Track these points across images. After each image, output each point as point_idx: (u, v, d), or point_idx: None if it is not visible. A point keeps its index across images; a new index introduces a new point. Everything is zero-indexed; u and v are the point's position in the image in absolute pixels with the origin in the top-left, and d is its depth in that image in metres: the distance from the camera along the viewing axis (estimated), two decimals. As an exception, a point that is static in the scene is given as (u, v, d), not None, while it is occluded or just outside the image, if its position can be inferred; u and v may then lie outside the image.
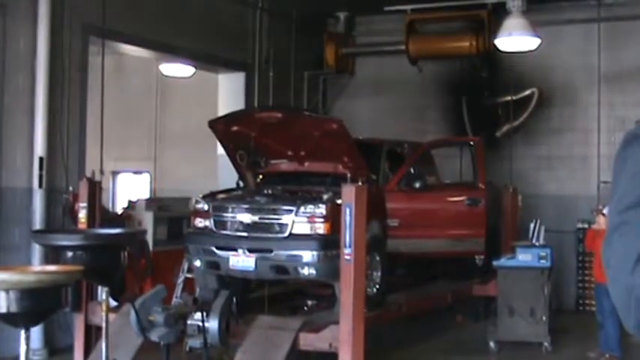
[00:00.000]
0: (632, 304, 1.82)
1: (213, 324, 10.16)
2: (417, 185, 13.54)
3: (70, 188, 12.94)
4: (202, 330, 10.11)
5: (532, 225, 14.48)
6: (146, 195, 20.09)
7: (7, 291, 7.06)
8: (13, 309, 7.08)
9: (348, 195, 10.42)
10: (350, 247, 10.28)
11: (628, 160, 1.91)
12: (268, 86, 17.97)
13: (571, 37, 18.38)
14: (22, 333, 7.33)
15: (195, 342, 10.27)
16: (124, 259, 9.22)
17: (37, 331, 12.36)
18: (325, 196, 11.38)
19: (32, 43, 12.88)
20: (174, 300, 12.08)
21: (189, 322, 10.21)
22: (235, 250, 11.41)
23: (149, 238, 13.85)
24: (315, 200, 11.39)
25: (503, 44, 16.82)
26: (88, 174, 12.49)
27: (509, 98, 18.77)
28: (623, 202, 1.88)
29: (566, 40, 18.39)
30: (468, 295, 15.65)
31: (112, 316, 10.66)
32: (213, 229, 11.71)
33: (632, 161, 1.90)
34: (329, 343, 10.48)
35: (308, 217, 11.20)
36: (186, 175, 19.60)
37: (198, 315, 10.18)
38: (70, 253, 8.84)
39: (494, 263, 14.22)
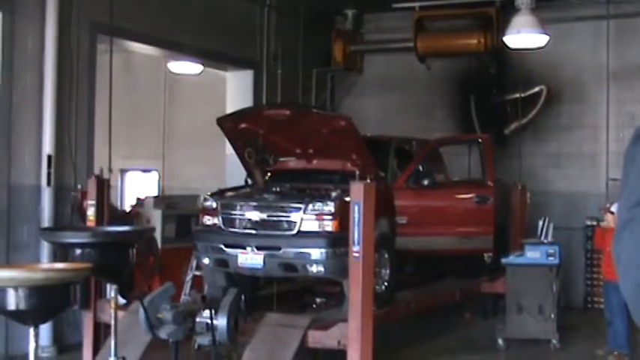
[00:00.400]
0: (642, 300, 1.82)
1: (221, 321, 10.16)
2: (426, 183, 13.55)
3: (79, 186, 12.96)
4: (211, 327, 10.12)
5: (541, 222, 14.47)
6: (154, 193, 20.11)
7: (15, 288, 7.07)
8: (22, 306, 7.09)
9: (357, 192, 10.41)
10: (358, 244, 10.27)
11: (637, 157, 1.90)
12: (276, 84, 17.98)
13: (580, 35, 18.34)
14: (31, 330, 7.34)
15: (203, 339, 10.27)
16: (132, 256, 9.22)
17: (46, 329, 12.39)
18: (334, 194, 11.39)
19: (40, 42, 12.89)
20: (182, 297, 12.09)
21: (197, 319, 10.22)
22: (244, 247, 11.41)
23: (158, 235, 13.87)
24: (324, 198, 11.40)
25: (512, 41, 16.79)
26: (97, 172, 12.51)
27: (517, 95, 18.75)
28: (633, 199, 1.87)
29: (575, 37, 18.35)
30: (477, 293, 15.65)
31: (120, 313, 10.66)
32: (222, 226, 11.72)
33: (640, 158, 1.89)
34: (337, 341, 10.48)
35: (316, 215, 11.20)
36: (194, 173, 19.63)
37: (206, 312, 10.19)
38: (78, 251, 8.84)
39: (503, 260, 14.20)
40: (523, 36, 16.48)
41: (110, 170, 13.46)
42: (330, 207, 11.15)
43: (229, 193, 12.43)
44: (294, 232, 11.23)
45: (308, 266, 11.15)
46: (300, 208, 11.25)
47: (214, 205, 11.91)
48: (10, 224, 12.58)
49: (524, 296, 13.75)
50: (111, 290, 9.40)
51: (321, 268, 11.10)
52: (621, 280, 1.90)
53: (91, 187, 11.98)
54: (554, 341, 13.64)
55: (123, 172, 21.79)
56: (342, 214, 10.92)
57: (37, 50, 12.89)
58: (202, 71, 18.28)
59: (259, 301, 12.51)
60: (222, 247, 11.60)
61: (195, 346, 10.70)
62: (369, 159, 12.11)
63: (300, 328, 10.69)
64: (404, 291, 13.42)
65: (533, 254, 13.93)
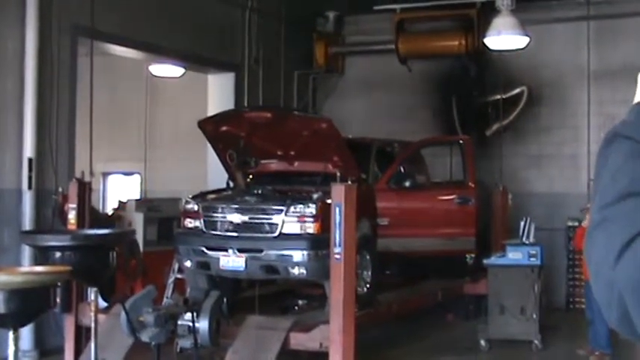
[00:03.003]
0: (614, 299, 1.82)
1: (203, 324, 10.16)
2: (407, 184, 13.58)
3: (60, 189, 12.90)
4: (193, 330, 10.11)
5: (522, 223, 14.49)
6: (136, 196, 20.07)
7: (-5, 292, 7.06)
8: (1, 310, 7.08)
9: (338, 194, 10.42)
10: (340, 246, 10.28)
11: (609, 158, 1.90)
12: (258, 86, 17.97)
13: (560, 36, 18.40)
14: (11, 334, 7.32)
15: (185, 342, 10.27)
16: (112, 259, 9.21)
17: (27, 333, 12.33)
18: (315, 196, 11.39)
19: (21, 45, 12.85)
20: (164, 300, 12.07)
21: (179, 322, 10.21)
22: (225, 250, 11.41)
23: (139, 238, 13.84)
24: (305, 200, 11.40)
25: (493, 43, 16.83)
26: (78, 175, 12.47)
27: (498, 97, 18.79)
28: (605, 199, 1.87)
29: (556, 38, 18.40)
30: (459, 294, 15.68)
31: (102, 316, 10.66)
32: (203, 229, 11.71)
33: (613, 159, 1.89)
34: (319, 343, 10.49)
35: (298, 217, 11.21)
36: (176, 176, 19.59)
37: (188, 315, 10.18)
38: (58, 254, 8.83)
39: (485, 262, 14.22)
40: (504, 37, 16.53)
41: (92, 173, 13.42)
42: (312, 209, 11.16)
43: (211, 196, 12.42)
44: (276, 234, 11.23)
45: (290, 268, 11.16)
46: (281, 210, 11.25)
47: (196, 207, 11.90)
48: (-10, 228, 12.57)
49: (506, 297, 13.77)
50: (91, 293, 9.39)
51: (303, 270, 11.10)
52: (593, 280, 1.90)
53: (72, 191, 11.95)
54: (536, 342, 13.67)
55: (105, 175, 21.76)
56: (323, 216, 10.93)
57: (18, 53, 12.85)
58: (184, 74, 18.26)
59: (241, 303, 12.50)
60: (204, 249, 11.59)
61: (177, 349, 10.69)
62: (351, 161, 12.12)
63: (282, 330, 10.70)
64: (386, 292, 13.44)
65: (514, 255, 13.95)
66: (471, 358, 13.64)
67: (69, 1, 13.57)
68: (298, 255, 11.08)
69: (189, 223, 11.99)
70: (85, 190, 12.06)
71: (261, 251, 11.22)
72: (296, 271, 11.15)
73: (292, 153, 12.67)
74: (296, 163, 12.84)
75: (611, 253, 1.80)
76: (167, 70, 18.14)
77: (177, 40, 15.92)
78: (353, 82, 20.49)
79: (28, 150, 12.83)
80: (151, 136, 21.08)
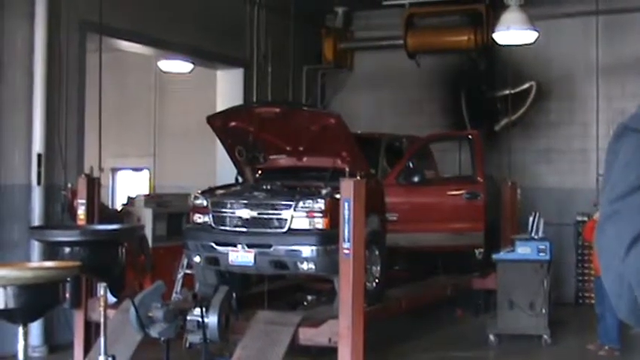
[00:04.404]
0: (624, 291, 1.83)
1: (212, 319, 10.17)
2: (416, 179, 13.56)
3: (69, 185, 12.93)
4: (202, 325, 10.12)
5: (531, 218, 14.48)
6: (145, 191, 20.09)
7: (4, 287, 7.08)
8: (11, 305, 7.10)
9: (347, 189, 10.42)
10: (349, 241, 10.27)
11: (619, 152, 1.90)
12: (267, 82, 17.98)
13: (569, 31, 18.36)
14: (20, 329, 7.34)
15: (194, 337, 10.28)
16: (121, 254, 9.23)
17: (37, 328, 12.38)
18: (324, 191, 11.39)
19: (29, 41, 12.88)
20: (173, 296, 12.10)
21: (188, 317, 10.21)
22: (234, 245, 11.41)
23: (148, 234, 13.86)
24: (314, 195, 11.40)
25: (502, 38, 16.80)
26: (87, 171, 12.49)
27: (507, 92, 18.76)
28: (615, 192, 1.87)
29: (565, 33, 18.37)
30: (468, 289, 15.66)
31: (111, 312, 10.67)
32: (212, 224, 11.72)
33: (623, 152, 1.90)
34: (328, 338, 10.49)
35: (307, 212, 11.20)
36: (185, 172, 19.60)
37: (197, 310, 10.18)
38: (67, 249, 8.86)
39: (494, 257, 14.21)
40: (512, 32, 16.49)
41: (101, 169, 13.43)
42: (321, 204, 11.15)
43: (220, 191, 12.43)
44: (285, 229, 11.23)
45: (299, 263, 11.15)
46: (290, 206, 11.25)
47: (205, 203, 11.91)
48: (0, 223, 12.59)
49: (515, 292, 13.77)
50: (100, 288, 9.40)
51: (312, 266, 11.10)
52: (603, 272, 1.91)
53: (82, 186, 11.96)
54: (545, 337, 13.67)
55: (114, 171, 21.78)
56: (332, 212, 10.92)
57: (27, 49, 12.88)
58: (193, 70, 18.27)
59: (250, 298, 12.51)
60: (213, 245, 11.60)
61: (187, 345, 10.70)
62: (360, 156, 12.11)
63: (291, 325, 10.69)
64: (395, 288, 13.44)
65: (523, 250, 13.95)
66: (480, 353, 13.64)
67: (78, -3, 13.62)
68: (307, 250, 11.08)
69: (199, 218, 12.00)
70: (94, 185, 12.07)
71: (270, 246, 11.23)
72: (305, 266, 11.15)
73: (301, 148, 12.66)
74: (305, 159, 12.83)
75: (621, 245, 1.80)
76: (176, 65, 18.17)
77: (186, 35, 15.94)
78: (362, 78, 20.48)
79: (38, 145, 12.86)
80: (160, 132, 21.09)
